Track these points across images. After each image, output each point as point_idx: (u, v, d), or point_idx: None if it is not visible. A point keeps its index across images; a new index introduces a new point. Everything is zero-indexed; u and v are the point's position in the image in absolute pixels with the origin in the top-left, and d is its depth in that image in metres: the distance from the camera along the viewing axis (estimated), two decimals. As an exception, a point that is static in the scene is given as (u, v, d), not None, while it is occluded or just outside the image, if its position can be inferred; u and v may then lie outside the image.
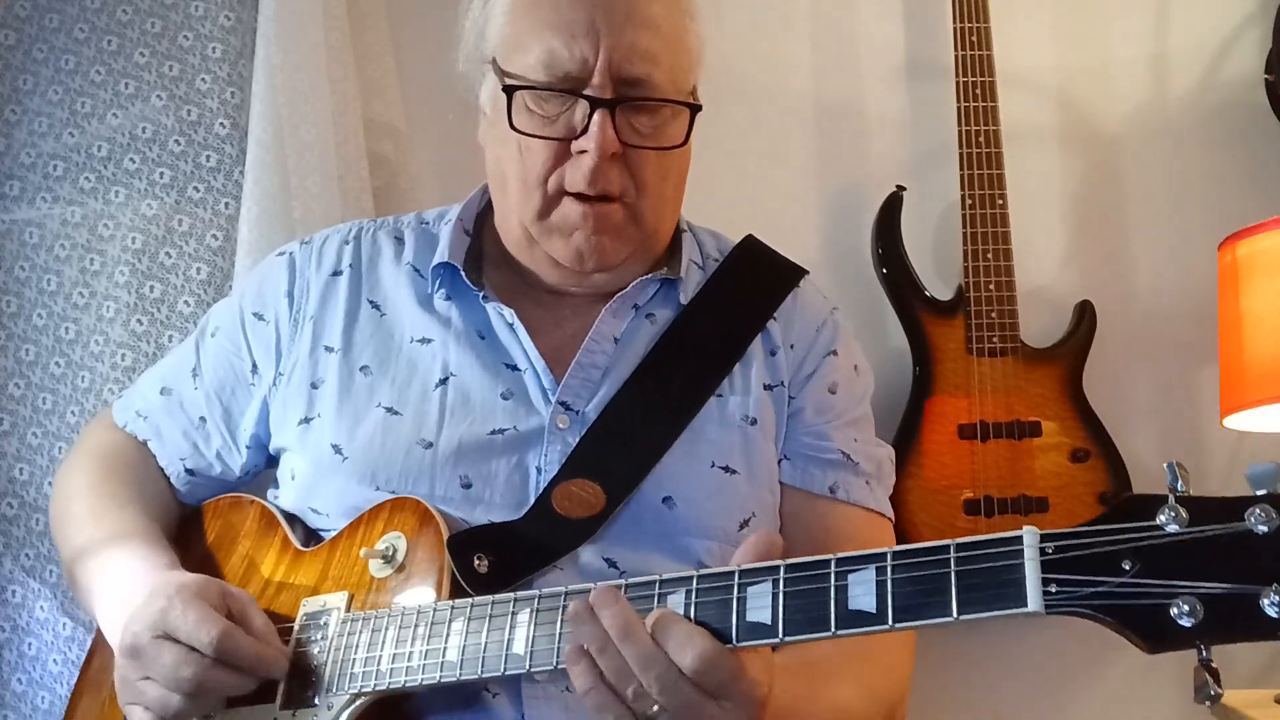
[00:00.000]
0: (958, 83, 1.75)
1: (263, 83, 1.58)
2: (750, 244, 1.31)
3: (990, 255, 1.73)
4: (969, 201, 1.74)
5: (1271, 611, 0.73)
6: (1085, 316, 1.80)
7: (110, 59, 1.65)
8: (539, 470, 1.12)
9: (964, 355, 1.74)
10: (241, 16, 1.65)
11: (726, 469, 1.15)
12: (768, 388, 1.20)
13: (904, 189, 1.80)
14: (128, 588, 1.09)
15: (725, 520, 1.14)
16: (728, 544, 1.13)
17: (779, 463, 1.20)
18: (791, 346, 1.23)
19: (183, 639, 1.01)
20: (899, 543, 1.68)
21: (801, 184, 1.91)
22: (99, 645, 1.24)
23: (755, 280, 1.27)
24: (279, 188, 1.56)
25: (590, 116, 1.10)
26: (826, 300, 1.31)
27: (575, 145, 1.11)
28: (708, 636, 0.86)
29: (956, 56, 1.76)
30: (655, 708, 0.86)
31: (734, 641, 0.87)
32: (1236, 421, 1.65)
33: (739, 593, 0.88)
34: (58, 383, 1.59)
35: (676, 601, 0.90)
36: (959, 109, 1.75)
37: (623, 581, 0.93)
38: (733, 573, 0.89)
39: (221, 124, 1.64)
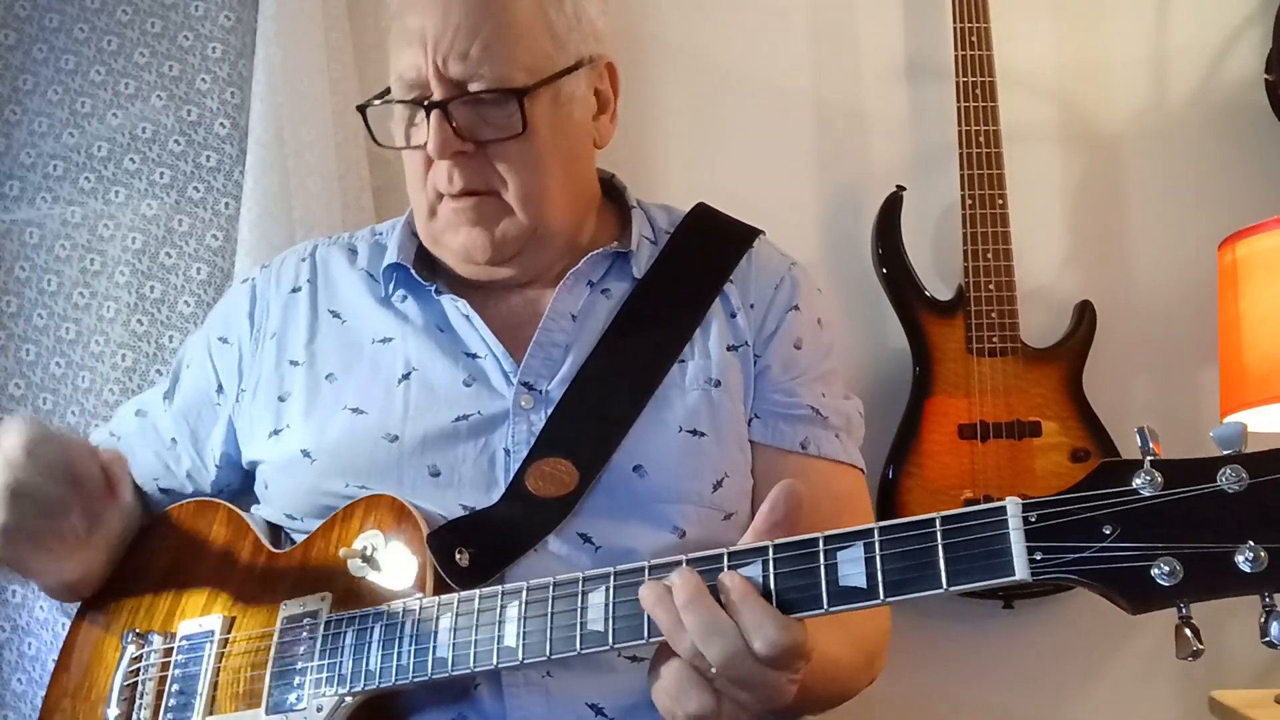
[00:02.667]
0: (958, 83, 1.75)
1: (263, 83, 1.59)
2: (701, 211, 1.32)
3: (990, 255, 1.73)
4: (969, 201, 1.74)
5: (1245, 567, 0.76)
6: (1085, 316, 1.80)
7: (110, 59, 1.65)
8: (507, 452, 1.13)
9: (964, 355, 1.74)
10: (241, 16, 1.65)
11: (694, 432, 1.16)
12: (731, 348, 1.21)
13: (904, 189, 1.80)
14: None
15: (697, 483, 1.15)
16: (702, 507, 1.15)
17: (749, 422, 1.21)
18: (751, 306, 1.24)
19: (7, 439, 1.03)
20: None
21: (801, 184, 1.91)
22: (72, 643, 1.23)
23: (708, 246, 1.28)
24: (279, 188, 1.56)
25: (428, 120, 1.13)
26: (784, 257, 1.31)
27: (427, 151, 1.14)
28: (782, 619, 0.85)
29: (956, 56, 1.76)
30: (713, 670, 0.86)
31: None
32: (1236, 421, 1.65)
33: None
34: (58, 383, 1.59)
35: None
36: (959, 109, 1.75)
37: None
38: (721, 555, 0.89)
39: (221, 124, 1.64)
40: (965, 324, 1.74)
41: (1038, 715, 1.85)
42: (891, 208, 1.80)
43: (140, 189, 1.63)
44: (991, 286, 1.73)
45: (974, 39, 1.75)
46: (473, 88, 1.13)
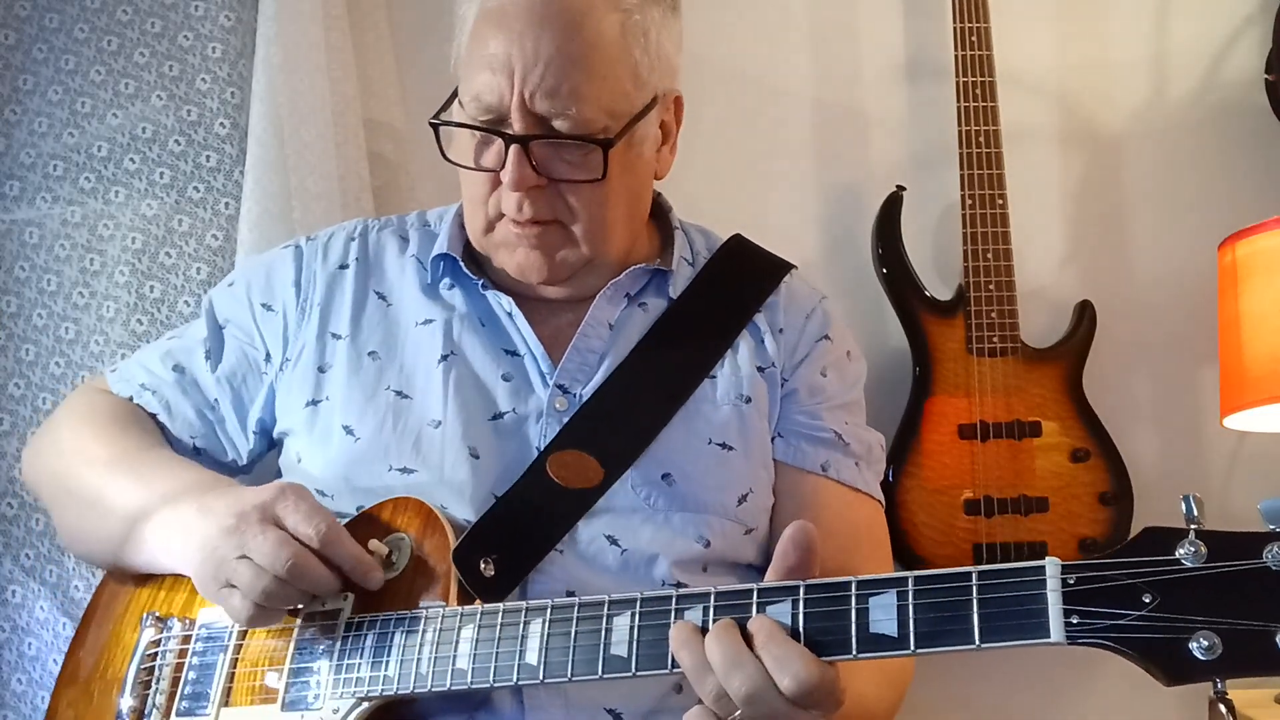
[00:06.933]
0: (958, 83, 1.75)
1: (263, 83, 1.58)
2: (738, 242, 1.35)
3: (990, 255, 1.73)
4: (969, 201, 1.74)
5: None
6: (1085, 316, 1.80)
7: (110, 59, 1.65)
8: (539, 450, 1.15)
9: (964, 355, 1.74)
10: (241, 16, 1.65)
11: (724, 445, 1.18)
12: (760, 369, 1.23)
13: (904, 189, 1.80)
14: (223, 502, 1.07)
15: (724, 495, 1.17)
16: (727, 519, 1.16)
17: (772, 440, 1.22)
18: (781, 331, 1.26)
19: (289, 527, 1.02)
20: (897, 541, 1.70)
21: (801, 184, 1.91)
22: (84, 634, 1.23)
23: (743, 275, 1.30)
24: (279, 188, 1.56)
25: (506, 152, 1.13)
26: (815, 290, 1.34)
27: (501, 176, 1.14)
28: (811, 656, 0.85)
29: (956, 56, 1.76)
30: (737, 712, 0.86)
31: None
32: (1236, 421, 1.65)
33: (757, 612, 0.88)
34: (58, 383, 1.59)
35: (694, 616, 0.90)
36: (959, 109, 1.75)
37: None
38: (751, 591, 0.89)
39: (221, 124, 1.64)
40: (965, 324, 1.74)
41: (1038, 714, 1.86)
42: (891, 208, 1.80)
43: (140, 189, 1.63)
44: (991, 286, 1.73)
45: (974, 39, 1.75)
46: (558, 126, 1.12)
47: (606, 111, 1.14)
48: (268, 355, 1.28)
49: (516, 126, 1.12)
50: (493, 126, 1.14)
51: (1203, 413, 1.87)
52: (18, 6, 1.65)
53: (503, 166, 1.14)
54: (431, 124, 1.18)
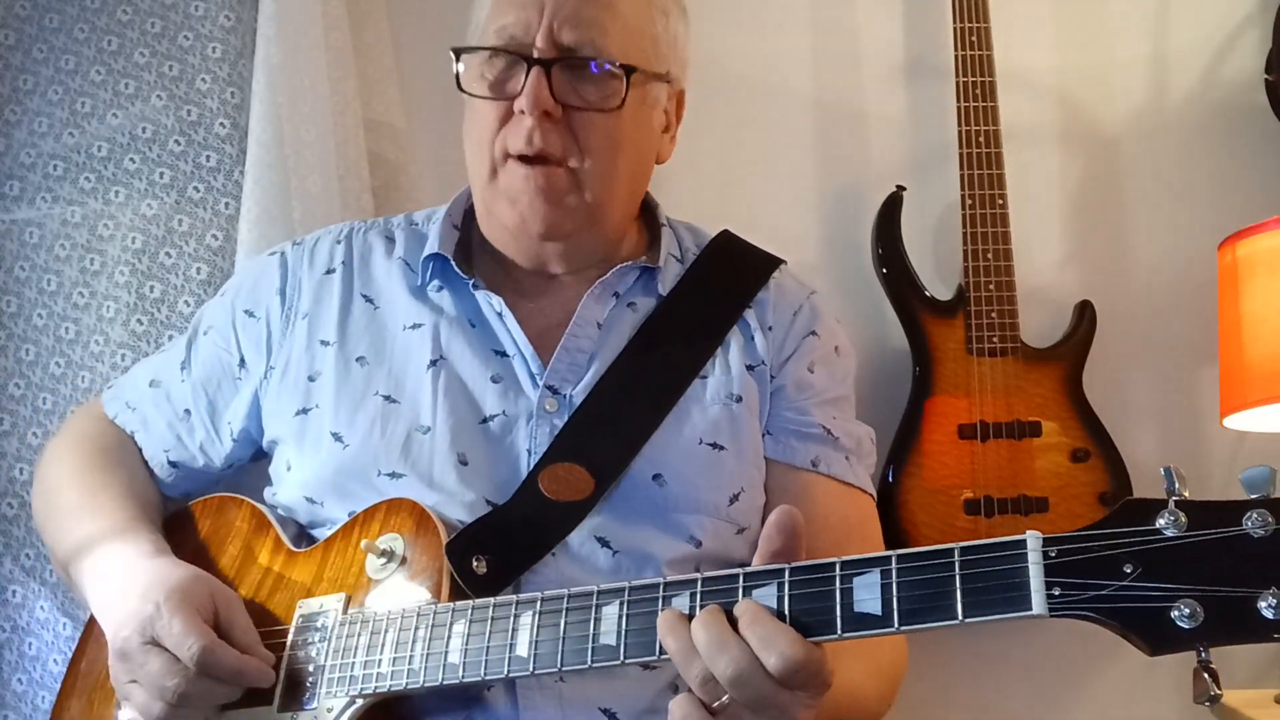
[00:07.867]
0: (958, 83, 1.75)
1: (263, 83, 1.58)
2: (727, 238, 1.34)
3: (990, 255, 1.73)
4: (969, 201, 1.74)
5: (1268, 613, 0.74)
6: (1085, 316, 1.80)
7: (110, 59, 1.65)
8: (529, 452, 1.15)
9: (964, 355, 1.74)
10: (241, 16, 1.65)
11: (715, 445, 1.18)
12: (749, 368, 1.23)
13: (904, 189, 1.80)
14: (121, 583, 1.11)
15: (716, 495, 1.16)
16: (719, 519, 1.16)
17: (762, 438, 1.22)
18: (769, 329, 1.26)
19: (168, 648, 1.02)
20: (897, 542, 1.70)
21: (801, 184, 1.91)
22: (85, 644, 1.24)
23: (732, 271, 1.30)
24: (279, 188, 1.56)
25: (527, 75, 1.15)
26: (804, 286, 1.33)
27: (516, 105, 1.16)
28: (796, 635, 0.85)
29: (956, 56, 1.76)
30: (725, 697, 0.86)
31: None
32: (1236, 421, 1.65)
33: (743, 595, 0.89)
34: (58, 383, 1.59)
35: (681, 603, 0.90)
36: (959, 109, 1.75)
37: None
38: (737, 575, 0.89)
39: (221, 124, 1.64)
40: (965, 324, 1.74)
41: (1038, 714, 1.85)
42: (891, 208, 1.80)
43: (140, 189, 1.63)
44: (991, 286, 1.73)
45: (974, 39, 1.75)
46: (583, 54, 1.16)
47: (626, 56, 1.18)
48: (242, 360, 1.28)
49: (541, 53, 1.15)
50: (517, 51, 1.17)
51: (1203, 413, 1.87)
52: (18, 6, 1.66)
53: (520, 93, 1.15)
54: (454, 50, 1.20)
